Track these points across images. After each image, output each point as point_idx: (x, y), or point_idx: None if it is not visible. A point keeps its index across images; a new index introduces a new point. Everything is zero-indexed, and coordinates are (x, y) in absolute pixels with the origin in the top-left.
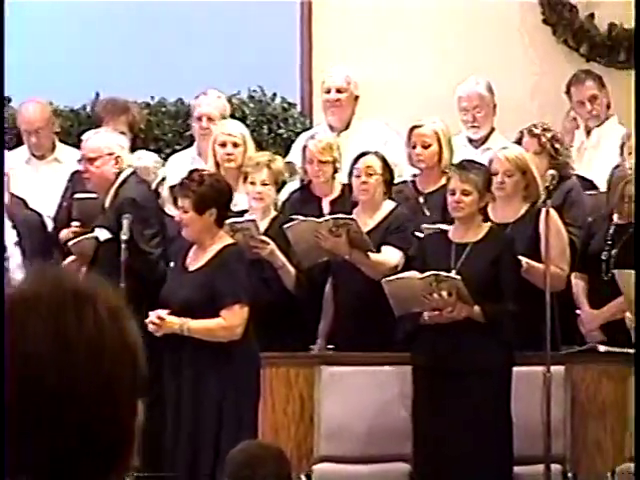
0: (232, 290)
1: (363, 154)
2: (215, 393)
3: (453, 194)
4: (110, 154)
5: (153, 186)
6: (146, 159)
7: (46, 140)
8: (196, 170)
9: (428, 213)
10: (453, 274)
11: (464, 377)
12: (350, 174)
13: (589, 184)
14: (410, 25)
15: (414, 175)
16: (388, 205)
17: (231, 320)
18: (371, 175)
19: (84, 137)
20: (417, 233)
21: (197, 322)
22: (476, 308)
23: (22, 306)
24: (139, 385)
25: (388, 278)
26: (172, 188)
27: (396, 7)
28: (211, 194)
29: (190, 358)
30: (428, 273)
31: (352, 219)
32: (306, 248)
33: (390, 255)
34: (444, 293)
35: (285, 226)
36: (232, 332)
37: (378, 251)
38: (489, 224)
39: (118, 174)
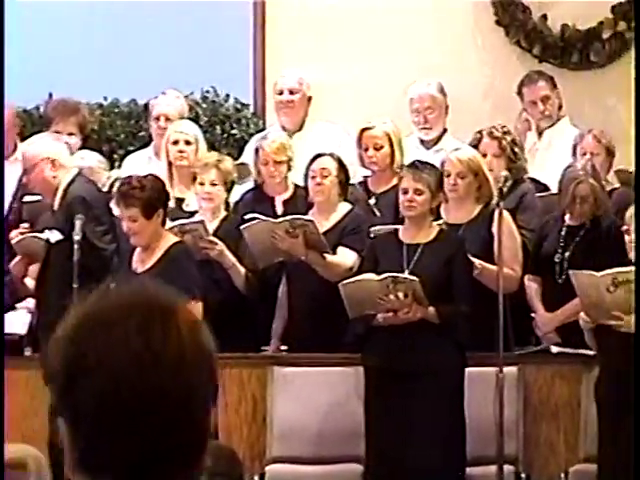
0: (186, 286)
1: (318, 155)
2: None
3: (405, 193)
4: (46, 158)
5: (107, 186)
6: (89, 159)
7: (10, 141)
8: (130, 177)
9: (378, 214)
10: (406, 274)
11: (417, 378)
12: (306, 175)
13: (542, 186)
14: (363, 26)
15: (365, 177)
16: (344, 207)
17: None
18: (326, 177)
19: (21, 150)
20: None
21: None
22: (430, 309)
23: (117, 314)
24: (214, 393)
25: (345, 281)
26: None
27: (349, 8)
28: (156, 196)
29: None
30: (385, 275)
31: (310, 220)
32: (262, 249)
33: (346, 256)
34: (400, 295)
35: (242, 227)
36: None
37: (334, 252)
38: (439, 225)
39: (57, 176)
